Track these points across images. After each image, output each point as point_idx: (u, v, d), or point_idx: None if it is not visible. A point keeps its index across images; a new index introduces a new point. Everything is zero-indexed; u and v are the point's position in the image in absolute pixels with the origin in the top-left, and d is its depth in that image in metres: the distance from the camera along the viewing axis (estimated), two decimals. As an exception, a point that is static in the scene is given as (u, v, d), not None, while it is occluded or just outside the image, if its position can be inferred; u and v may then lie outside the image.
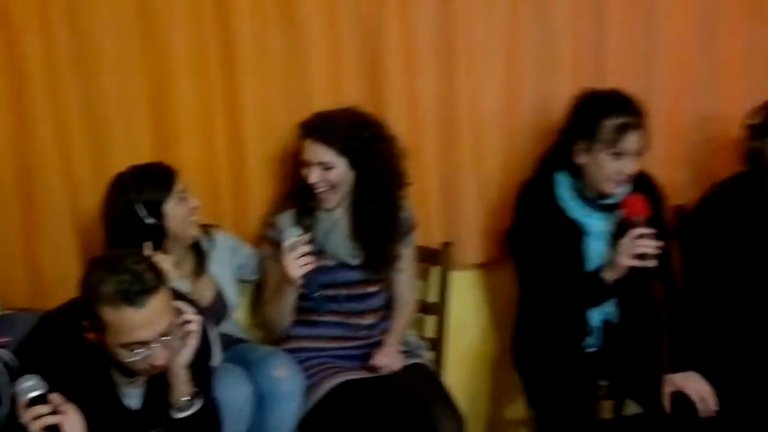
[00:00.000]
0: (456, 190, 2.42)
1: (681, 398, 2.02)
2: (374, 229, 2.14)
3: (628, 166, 2.05)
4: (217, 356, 1.95)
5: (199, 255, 2.10)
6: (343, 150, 2.08)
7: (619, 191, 2.09)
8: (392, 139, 2.16)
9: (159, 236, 1.96)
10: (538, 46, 2.42)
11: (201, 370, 1.72)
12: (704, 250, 2.29)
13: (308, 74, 2.27)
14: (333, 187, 2.10)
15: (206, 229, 2.14)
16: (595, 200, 2.13)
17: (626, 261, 1.98)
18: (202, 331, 1.70)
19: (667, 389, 2.02)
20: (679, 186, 2.57)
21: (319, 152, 2.07)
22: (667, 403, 2.01)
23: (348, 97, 2.27)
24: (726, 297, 2.24)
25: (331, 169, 2.08)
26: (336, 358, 2.17)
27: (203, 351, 1.73)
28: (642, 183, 2.18)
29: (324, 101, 2.24)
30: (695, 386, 2.01)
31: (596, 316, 2.18)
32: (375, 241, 2.14)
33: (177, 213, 1.97)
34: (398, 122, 2.28)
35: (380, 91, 2.32)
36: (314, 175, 2.08)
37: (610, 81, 2.41)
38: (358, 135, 2.09)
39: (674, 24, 2.49)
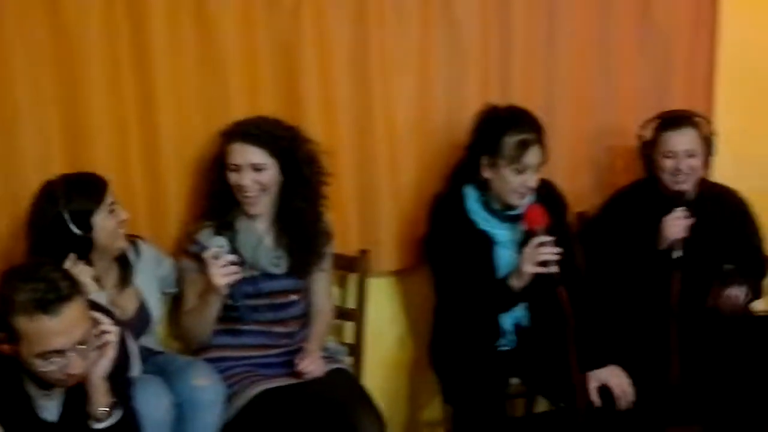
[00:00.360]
0: (372, 199, 2.49)
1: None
2: (300, 234, 2.17)
3: (531, 180, 2.16)
4: (136, 367, 1.93)
5: (124, 267, 2.08)
6: (273, 152, 2.10)
7: (523, 203, 2.20)
8: (313, 142, 2.20)
9: (85, 247, 1.93)
10: (449, 62, 2.52)
11: (120, 380, 1.70)
12: (605, 253, 2.46)
13: (225, 84, 2.28)
14: (264, 189, 2.11)
15: (133, 240, 2.12)
16: (502, 212, 2.24)
17: (530, 268, 2.08)
18: (120, 342, 1.69)
19: (593, 384, 2.12)
20: (583, 193, 2.74)
21: (251, 154, 2.08)
22: (595, 397, 2.11)
23: (265, 107, 2.30)
24: (624, 296, 2.41)
25: (262, 171, 2.09)
26: (258, 366, 2.18)
27: (122, 361, 1.72)
28: (545, 191, 2.30)
29: (241, 110, 2.26)
30: (617, 380, 2.13)
31: (507, 319, 2.28)
32: (300, 246, 2.17)
33: (105, 225, 1.95)
34: (315, 132, 2.31)
35: (297, 102, 2.36)
36: (246, 178, 2.08)
37: (515, 96, 2.56)
38: (285, 137, 2.13)
39: (574, 44, 2.66)
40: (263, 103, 2.33)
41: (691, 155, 2.35)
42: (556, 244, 2.10)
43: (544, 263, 2.07)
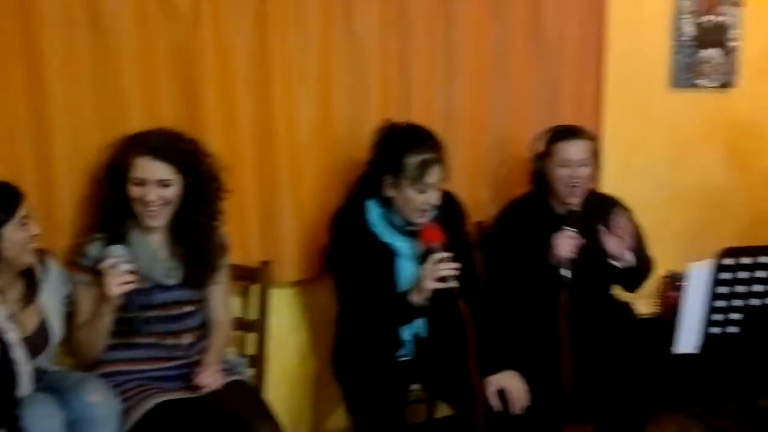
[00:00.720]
0: (274, 210, 2.49)
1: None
2: (195, 246, 2.14)
3: (433, 198, 2.21)
4: (25, 386, 1.86)
5: (30, 282, 1.99)
6: (180, 167, 2.08)
7: (424, 220, 2.24)
8: (214, 156, 2.18)
9: None
10: (350, 74, 2.55)
11: (5, 400, 1.64)
12: (501, 262, 2.55)
13: (121, 93, 2.23)
14: (167, 204, 2.08)
15: (42, 256, 2.04)
16: (403, 227, 2.28)
17: (430, 284, 2.13)
18: (6, 361, 1.63)
19: (492, 388, 2.18)
20: (482, 204, 2.83)
21: (158, 170, 2.05)
22: (494, 401, 2.17)
23: (163, 118, 2.27)
24: (519, 304, 2.50)
25: (168, 186, 2.07)
26: (154, 379, 2.13)
27: (7, 381, 1.66)
28: (446, 202, 2.36)
29: (139, 121, 2.22)
30: (513, 384, 2.20)
31: (407, 330, 2.33)
32: (195, 258, 2.15)
33: (15, 238, 1.87)
34: (215, 143, 2.30)
35: (196, 112, 2.33)
36: (151, 194, 2.04)
37: (415, 109, 2.65)
38: (190, 152, 2.11)
39: (470, 59, 2.74)
40: (162, 113, 2.29)
41: (583, 164, 2.46)
42: (456, 256, 2.16)
43: (443, 279, 2.12)
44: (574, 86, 2.96)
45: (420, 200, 2.19)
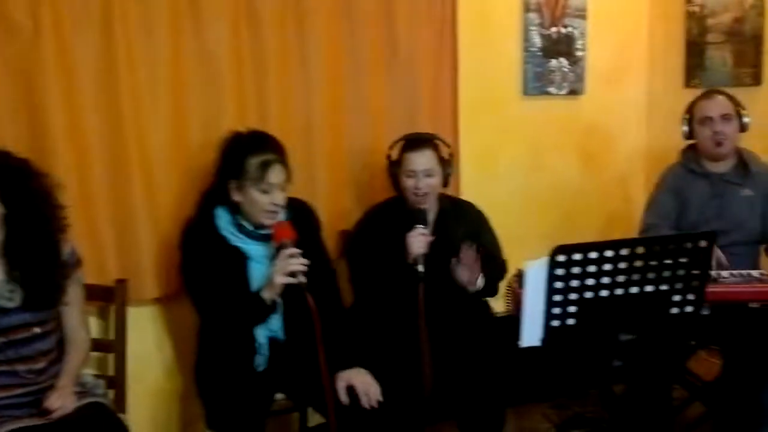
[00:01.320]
0: (129, 226, 2.47)
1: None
2: (33, 266, 2.07)
3: (277, 198, 2.26)
4: None
5: None
6: (1, 190, 2.01)
7: (272, 222, 2.28)
8: (44, 175, 2.11)
9: None
10: (203, 86, 2.57)
11: None
12: (363, 267, 2.62)
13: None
14: None
15: None
16: (254, 231, 2.31)
17: (280, 279, 2.18)
18: None
19: (341, 384, 2.24)
20: (345, 211, 2.90)
21: None
22: (343, 396, 2.23)
23: (4, 139, 2.19)
24: (382, 307, 2.57)
25: None
26: (3, 407, 2.06)
27: None
28: (299, 208, 2.42)
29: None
30: (361, 380, 2.26)
31: (262, 332, 2.34)
32: (34, 278, 2.08)
33: None
34: (63, 162, 2.26)
35: (41, 131, 2.29)
36: None
37: (272, 121, 2.69)
38: (15, 172, 2.04)
39: (326, 72, 2.81)
40: (2, 133, 2.22)
41: (429, 175, 2.56)
42: (309, 256, 2.22)
43: (293, 273, 2.17)
44: (430, 95, 3.07)
45: (265, 201, 2.24)
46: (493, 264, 2.60)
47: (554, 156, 3.55)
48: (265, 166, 2.23)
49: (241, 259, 2.29)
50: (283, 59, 2.70)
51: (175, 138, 2.52)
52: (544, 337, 2.12)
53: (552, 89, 3.48)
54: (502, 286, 2.66)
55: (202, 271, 2.27)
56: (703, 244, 2.08)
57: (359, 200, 2.92)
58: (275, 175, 2.24)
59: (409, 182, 2.56)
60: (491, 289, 2.61)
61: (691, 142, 2.91)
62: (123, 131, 2.41)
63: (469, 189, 3.22)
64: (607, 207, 3.68)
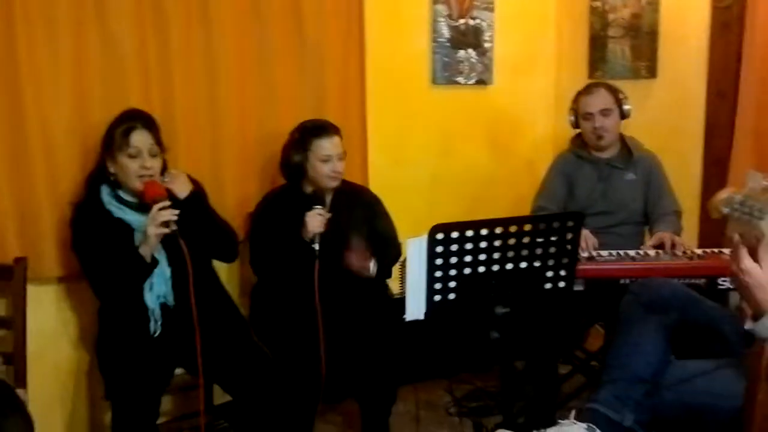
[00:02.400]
0: (30, 206, 2.50)
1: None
2: None
3: (147, 162, 2.36)
4: None
5: None
6: None
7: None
8: None
9: None
10: (106, 72, 2.61)
11: None
12: (260, 246, 2.72)
13: None
14: None
15: None
16: (133, 202, 2.40)
17: (153, 230, 2.28)
18: None
19: None
20: (252, 196, 2.97)
21: None
22: None
23: None
24: (282, 288, 2.68)
25: None
26: None
27: None
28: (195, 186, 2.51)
29: None
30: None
31: (151, 297, 2.41)
32: None
33: None
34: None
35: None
36: None
37: (178, 106, 2.77)
38: None
39: (232, 58, 2.88)
40: None
41: (340, 158, 2.69)
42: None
43: (165, 224, 2.27)
44: (338, 84, 3.17)
45: (134, 166, 2.35)
46: (387, 247, 2.72)
47: (463, 143, 3.69)
48: (127, 132, 2.35)
49: (126, 231, 2.38)
50: (188, 48, 2.77)
51: (78, 120, 2.57)
52: (428, 311, 2.25)
53: (460, 79, 3.61)
54: (396, 268, 2.78)
55: (90, 245, 2.36)
56: (571, 224, 2.23)
57: (266, 185, 3.00)
58: (138, 139, 2.35)
59: (325, 167, 2.67)
60: (385, 272, 2.73)
61: (578, 131, 3.10)
62: (23, 112, 2.45)
63: (379, 175, 3.34)
64: (515, 191, 3.81)
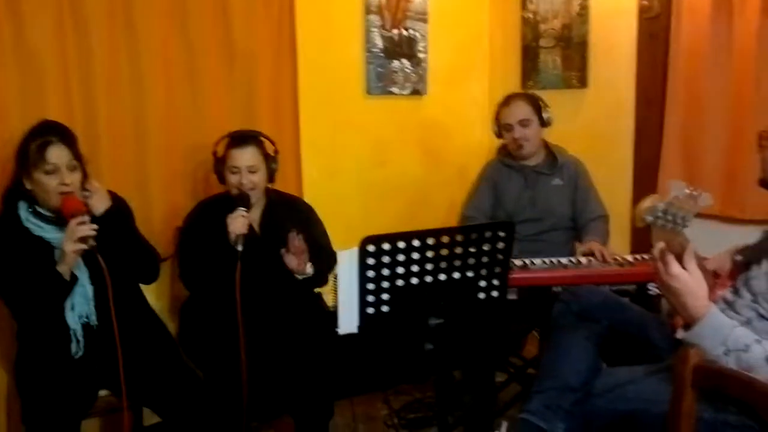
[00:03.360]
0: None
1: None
2: None
3: (66, 178, 2.25)
4: None
5: None
6: None
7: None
8: None
9: None
10: (23, 83, 2.53)
11: None
12: (188, 257, 2.65)
13: None
14: None
15: None
16: (53, 218, 2.30)
17: (70, 246, 2.18)
18: None
19: None
20: (181, 207, 2.90)
21: None
22: None
23: None
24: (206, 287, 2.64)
25: None
26: None
27: None
28: (116, 201, 2.42)
29: None
30: None
31: (72, 317, 2.32)
32: None
33: None
34: None
35: None
36: None
37: (101, 119, 2.71)
38: None
39: (157, 67, 2.83)
40: None
41: (252, 171, 2.64)
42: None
43: (83, 239, 2.18)
44: (270, 94, 3.13)
45: (52, 182, 2.25)
46: (322, 255, 2.68)
47: (398, 152, 3.69)
48: (43, 147, 2.23)
49: (46, 249, 2.28)
50: (111, 56, 2.70)
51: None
52: (361, 324, 2.21)
53: (395, 89, 3.61)
54: (331, 277, 2.74)
55: (7, 263, 2.25)
56: (502, 233, 2.23)
57: (195, 197, 2.94)
58: (55, 154, 2.25)
59: (233, 178, 2.63)
60: (320, 279, 2.69)
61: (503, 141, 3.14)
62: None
63: (313, 184, 3.31)
64: (449, 198, 3.82)
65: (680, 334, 1.71)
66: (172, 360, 2.48)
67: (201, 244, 2.62)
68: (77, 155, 2.30)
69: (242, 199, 2.58)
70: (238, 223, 2.49)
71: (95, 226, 2.21)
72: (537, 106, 3.05)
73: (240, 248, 2.46)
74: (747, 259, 1.88)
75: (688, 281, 1.65)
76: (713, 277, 1.98)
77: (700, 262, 1.71)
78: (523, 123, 3.03)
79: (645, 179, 3.46)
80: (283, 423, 2.99)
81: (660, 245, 1.65)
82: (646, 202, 1.69)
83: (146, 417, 2.70)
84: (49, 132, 2.27)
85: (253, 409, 2.49)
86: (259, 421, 3.06)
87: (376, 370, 3.22)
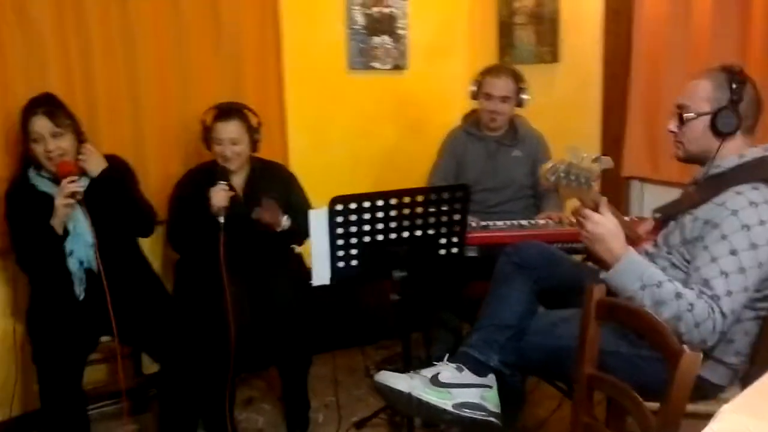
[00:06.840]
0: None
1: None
2: None
3: (50, 145, 2.52)
4: None
5: None
6: None
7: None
8: None
9: None
10: (27, 64, 2.78)
11: None
12: (175, 221, 2.91)
13: None
14: None
15: None
16: (52, 178, 2.57)
17: (60, 201, 2.47)
18: None
19: None
20: (175, 176, 3.11)
21: None
22: None
23: None
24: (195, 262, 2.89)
25: None
26: None
27: None
28: (116, 164, 2.70)
29: None
30: None
31: (73, 261, 2.59)
32: None
33: None
34: None
35: None
36: None
37: (99, 92, 2.97)
38: None
39: (150, 45, 3.06)
40: None
41: (234, 143, 2.86)
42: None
43: (72, 195, 2.47)
44: (255, 68, 3.35)
45: (39, 150, 2.53)
46: (299, 218, 2.89)
47: (380, 124, 3.91)
48: (26, 119, 2.52)
49: (48, 204, 2.52)
50: (106, 32, 2.93)
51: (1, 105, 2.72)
52: (333, 277, 2.45)
53: (376, 64, 3.82)
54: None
55: (17, 216, 2.56)
56: (459, 194, 2.45)
57: (188, 165, 3.15)
58: (38, 125, 2.52)
59: (218, 148, 2.86)
60: (298, 236, 2.94)
61: (474, 107, 3.31)
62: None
63: (300, 156, 3.54)
64: (429, 167, 4.03)
65: (603, 274, 1.94)
66: (165, 308, 2.74)
67: (187, 211, 2.86)
68: (62, 124, 2.55)
69: (223, 174, 2.80)
70: (219, 196, 2.71)
71: (82, 184, 2.49)
72: (519, 86, 3.16)
73: (222, 220, 2.69)
74: (665, 216, 2.10)
75: (609, 225, 1.89)
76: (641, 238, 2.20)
77: (615, 210, 1.95)
78: (504, 99, 3.12)
79: (613, 149, 3.65)
80: (271, 374, 3.27)
81: (575, 203, 1.88)
82: (548, 164, 1.92)
83: (147, 367, 2.98)
84: (33, 105, 2.54)
85: (241, 360, 2.72)
86: (248, 372, 3.33)
87: (353, 324, 3.46)
